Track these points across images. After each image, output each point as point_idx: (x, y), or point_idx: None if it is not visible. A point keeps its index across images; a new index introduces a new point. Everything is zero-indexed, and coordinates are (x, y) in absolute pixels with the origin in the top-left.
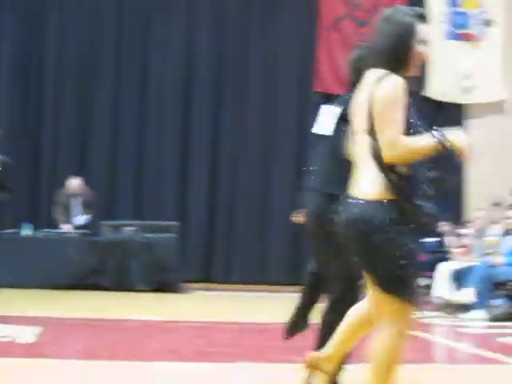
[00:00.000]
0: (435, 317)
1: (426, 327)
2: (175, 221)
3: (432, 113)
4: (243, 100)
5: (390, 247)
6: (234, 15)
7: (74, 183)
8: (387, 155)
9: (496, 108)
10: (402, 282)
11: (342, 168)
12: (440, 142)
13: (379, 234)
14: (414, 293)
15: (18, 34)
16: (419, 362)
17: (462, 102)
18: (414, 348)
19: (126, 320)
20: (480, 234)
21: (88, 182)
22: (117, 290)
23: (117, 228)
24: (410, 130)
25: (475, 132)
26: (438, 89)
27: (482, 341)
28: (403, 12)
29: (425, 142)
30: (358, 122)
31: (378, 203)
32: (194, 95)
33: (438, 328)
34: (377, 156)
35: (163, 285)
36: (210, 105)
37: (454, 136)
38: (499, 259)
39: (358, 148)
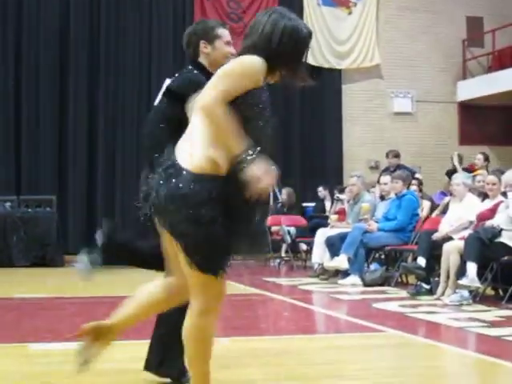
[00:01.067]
0: (313, 283)
1: (303, 295)
2: (53, 194)
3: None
4: (120, 67)
5: (201, 223)
6: None
7: None
8: (202, 104)
9: (372, 72)
10: (210, 257)
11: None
12: (244, 158)
13: (194, 209)
14: (221, 267)
15: None
16: (297, 333)
17: (339, 67)
18: (292, 318)
19: (6, 298)
20: (355, 200)
21: None
22: None
23: None
24: (255, 107)
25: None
26: (314, 54)
27: (358, 308)
28: (301, 24)
29: (236, 135)
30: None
31: (201, 177)
32: (70, 68)
33: (315, 295)
34: None
35: (44, 259)
36: (86, 75)
37: (257, 165)
38: (373, 225)
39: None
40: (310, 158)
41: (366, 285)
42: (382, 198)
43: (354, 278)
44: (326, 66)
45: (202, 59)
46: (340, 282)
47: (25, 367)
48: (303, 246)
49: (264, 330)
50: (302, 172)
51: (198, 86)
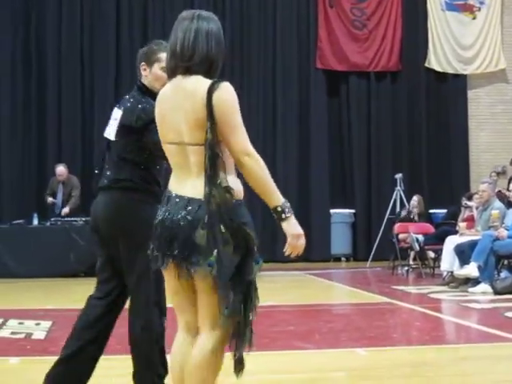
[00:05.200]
0: (442, 292)
1: (433, 303)
2: None
3: (436, 84)
4: (245, 78)
5: None
6: None
7: (60, 170)
8: (242, 160)
9: (497, 77)
10: None
11: (128, 171)
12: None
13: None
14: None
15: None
16: (429, 343)
17: (464, 72)
18: (423, 327)
19: None
20: (485, 206)
21: (92, 171)
22: None
23: None
24: None
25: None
26: (439, 60)
27: (489, 317)
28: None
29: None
30: (180, 131)
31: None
32: None
33: (444, 304)
34: (212, 164)
35: None
36: None
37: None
38: (502, 232)
39: (181, 157)
40: (436, 165)
41: (496, 293)
42: (511, 205)
43: (484, 286)
44: (451, 71)
45: (143, 81)
46: (470, 290)
47: None
48: (431, 254)
49: (397, 340)
50: (429, 178)
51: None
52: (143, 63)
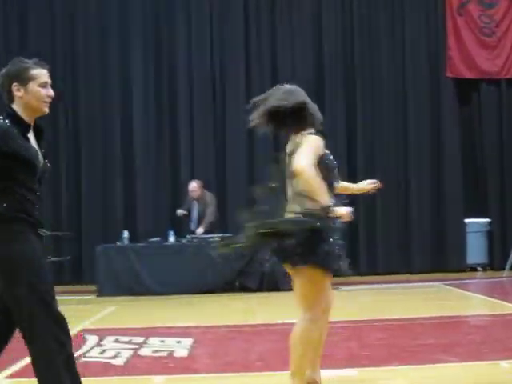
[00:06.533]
0: None
1: None
2: None
3: None
4: (375, 88)
5: None
6: (361, 3)
7: (193, 186)
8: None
9: None
10: None
11: None
12: (327, 208)
13: None
14: None
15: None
16: None
17: None
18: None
19: (277, 324)
20: None
21: (227, 186)
22: (263, 291)
23: None
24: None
25: None
26: None
27: None
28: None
29: (323, 192)
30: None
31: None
32: (326, 89)
33: None
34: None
35: None
36: (342, 94)
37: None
38: None
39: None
40: None
41: None
42: None
43: None
44: None
45: (16, 104)
46: None
47: None
48: None
49: None
50: None
51: None
52: (15, 84)
